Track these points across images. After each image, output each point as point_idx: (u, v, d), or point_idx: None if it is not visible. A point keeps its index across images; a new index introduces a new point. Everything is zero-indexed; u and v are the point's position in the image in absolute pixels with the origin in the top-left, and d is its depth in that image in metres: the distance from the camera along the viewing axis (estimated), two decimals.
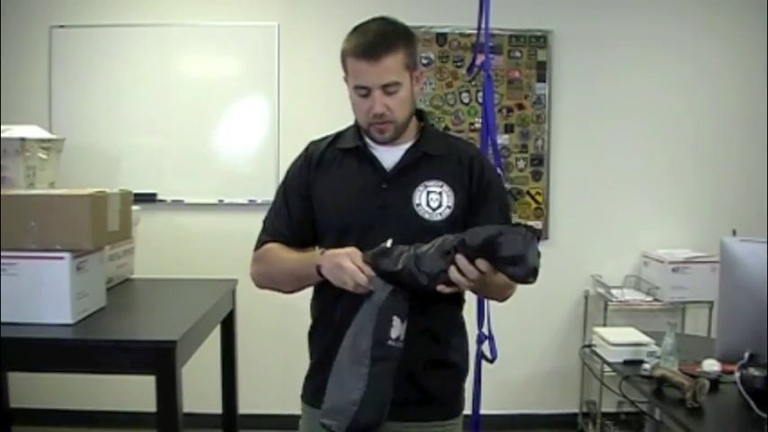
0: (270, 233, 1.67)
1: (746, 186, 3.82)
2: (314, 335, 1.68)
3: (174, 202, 3.74)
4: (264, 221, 1.71)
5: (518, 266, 1.31)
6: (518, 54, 3.77)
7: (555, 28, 3.77)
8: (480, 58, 2.70)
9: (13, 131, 2.44)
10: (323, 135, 1.71)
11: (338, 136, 1.67)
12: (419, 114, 1.65)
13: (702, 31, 3.80)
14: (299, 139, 3.98)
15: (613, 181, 3.85)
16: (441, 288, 1.38)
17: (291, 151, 4.15)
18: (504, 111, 3.77)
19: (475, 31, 2.73)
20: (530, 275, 1.32)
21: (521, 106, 3.80)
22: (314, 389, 1.63)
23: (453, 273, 1.35)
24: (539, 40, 3.77)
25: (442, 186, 1.55)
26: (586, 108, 3.82)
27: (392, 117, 1.52)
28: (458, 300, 1.65)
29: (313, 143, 1.70)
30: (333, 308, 1.57)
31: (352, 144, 1.62)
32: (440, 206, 1.53)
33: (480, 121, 2.88)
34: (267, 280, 1.66)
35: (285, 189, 1.68)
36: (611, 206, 3.85)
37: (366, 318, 1.40)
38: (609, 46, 3.79)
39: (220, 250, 3.70)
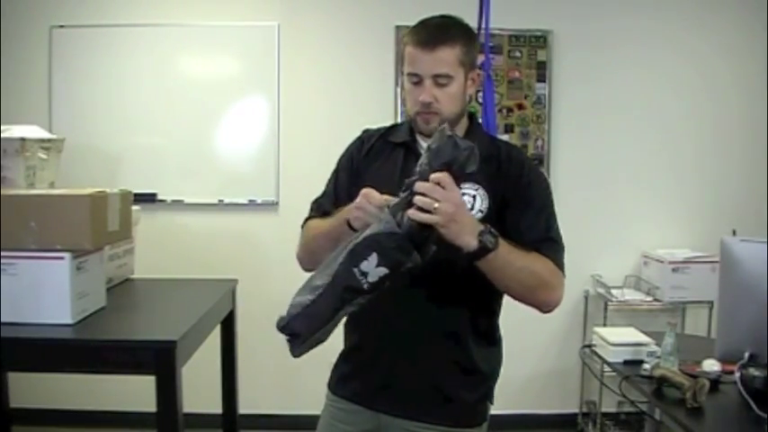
0: (315, 211, 1.69)
1: (746, 186, 3.82)
2: (348, 324, 1.67)
3: (174, 202, 3.74)
4: (312, 203, 1.73)
5: (460, 153, 1.31)
6: (518, 54, 3.77)
7: (555, 28, 3.77)
8: (480, 58, 2.71)
9: (13, 131, 2.44)
10: (379, 126, 1.73)
11: (392, 128, 1.70)
12: (469, 115, 1.65)
13: (702, 30, 3.81)
14: (299, 139, 4.02)
15: (613, 181, 3.85)
16: (412, 212, 1.31)
17: (291, 151, 4.18)
18: (504, 111, 3.77)
19: (475, 31, 2.73)
20: (470, 151, 1.32)
21: (521, 106, 3.80)
22: (338, 376, 1.67)
23: (418, 200, 1.31)
24: (539, 40, 3.77)
25: (477, 190, 1.52)
26: (586, 108, 3.82)
27: (438, 109, 1.52)
28: (491, 307, 1.63)
29: (367, 131, 1.72)
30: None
31: (402, 138, 1.63)
32: (471, 209, 1.50)
33: (480, 121, 2.89)
34: (308, 253, 1.64)
35: (337, 171, 1.71)
36: (611, 206, 3.85)
37: (351, 241, 1.36)
38: (609, 46, 3.79)
39: (220, 250, 3.71)
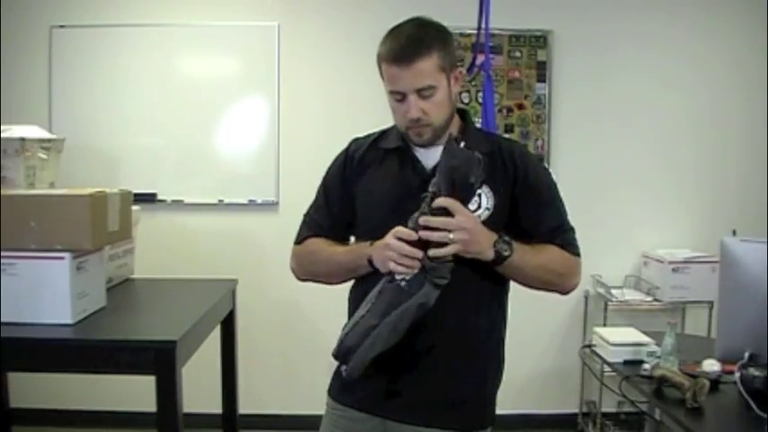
0: (310, 228, 1.68)
1: (746, 186, 3.82)
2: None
3: (174, 202, 3.74)
4: (305, 216, 1.72)
5: (463, 163, 1.37)
6: (518, 54, 3.77)
7: (555, 28, 3.77)
8: (480, 58, 2.71)
9: (13, 131, 2.44)
10: (367, 132, 1.71)
11: (382, 134, 1.67)
12: (462, 114, 1.63)
13: (702, 31, 3.80)
14: (299, 139, 4.02)
15: (613, 181, 3.85)
16: (433, 252, 1.38)
17: (291, 151, 4.17)
18: (504, 111, 3.77)
19: (475, 31, 2.73)
20: (473, 159, 1.38)
21: (521, 106, 3.80)
22: (340, 384, 1.62)
23: (436, 237, 1.37)
24: (539, 40, 3.77)
25: (482, 187, 1.51)
26: (586, 108, 3.82)
27: (428, 120, 1.50)
28: (498, 311, 1.63)
29: (355, 141, 1.70)
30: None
31: (394, 144, 1.61)
32: (479, 208, 1.50)
33: (480, 121, 2.89)
34: (310, 274, 1.68)
35: (325, 185, 1.69)
36: (611, 206, 3.84)
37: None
38: (609, 46, 3.79)
39: (220, 250, 3.71)
